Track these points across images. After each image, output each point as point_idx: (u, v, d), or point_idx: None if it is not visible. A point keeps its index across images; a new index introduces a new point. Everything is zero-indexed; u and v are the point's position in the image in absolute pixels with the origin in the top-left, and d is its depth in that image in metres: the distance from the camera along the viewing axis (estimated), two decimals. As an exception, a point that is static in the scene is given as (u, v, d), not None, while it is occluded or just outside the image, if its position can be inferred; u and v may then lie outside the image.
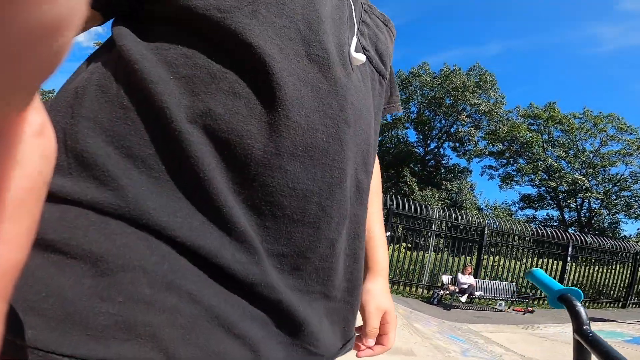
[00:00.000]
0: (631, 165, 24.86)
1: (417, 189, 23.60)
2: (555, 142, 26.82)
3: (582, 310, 0.59)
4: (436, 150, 29.39)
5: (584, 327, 0.56)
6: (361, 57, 0.41)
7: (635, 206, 25.15)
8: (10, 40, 0.12)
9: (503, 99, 26.55)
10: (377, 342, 0.54)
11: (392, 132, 28.46)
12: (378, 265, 0.57)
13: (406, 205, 8.10)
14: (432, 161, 29.37)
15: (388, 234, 7.72)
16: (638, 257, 10.40)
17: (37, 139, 0.20)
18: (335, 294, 0.42)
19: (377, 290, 0.54)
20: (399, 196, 8.29)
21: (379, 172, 0.64)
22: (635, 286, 10.54)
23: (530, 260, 9.62)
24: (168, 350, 0.28)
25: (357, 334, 0.51)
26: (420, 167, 28.28)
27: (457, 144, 28.21)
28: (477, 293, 7.62)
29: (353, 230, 0.44)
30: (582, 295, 0.63)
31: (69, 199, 0.30)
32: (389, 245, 7.63)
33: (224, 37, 0.34)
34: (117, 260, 0.28)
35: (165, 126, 0.32)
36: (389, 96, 0.60)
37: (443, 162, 29.39)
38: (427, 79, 26.96)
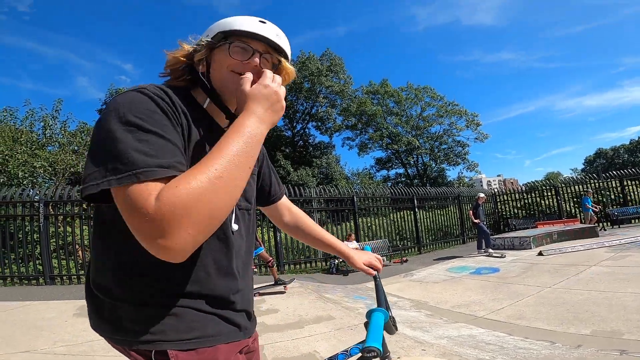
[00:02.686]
0: (443, 124, 32.35)
1: (292, 170, 24.87)
2: (392, 112, 32.17)
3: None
4: (302, 131, 31.32)
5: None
6: (235, 228, 0.84)
7: (451, 155, 32.97)
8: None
9: (350, 79, 30.16)
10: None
11: (261, 120, 28.68)
12: (341, 244, 1.17)
13: (287, 191, 8.80)
14: (301, 141, 31.17)
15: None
16: (460, 198, 13.10)
17: None
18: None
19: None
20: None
21: (307, 217, 1.21)
22: (466, 223, 12.72)
23: (391, 214, 11.53)
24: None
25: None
26: (291, 148, 29.64)
27: (319, 123, 30.78)
28: (363, 256, 8.67)
29: (246, 265, 0.91)
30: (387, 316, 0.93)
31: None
32: (278, 230, 8.20)
33: None
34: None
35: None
36: (269, 192, 1.09)
37: (310, 141, 31.64)
38: (286, 65, 28.36)
